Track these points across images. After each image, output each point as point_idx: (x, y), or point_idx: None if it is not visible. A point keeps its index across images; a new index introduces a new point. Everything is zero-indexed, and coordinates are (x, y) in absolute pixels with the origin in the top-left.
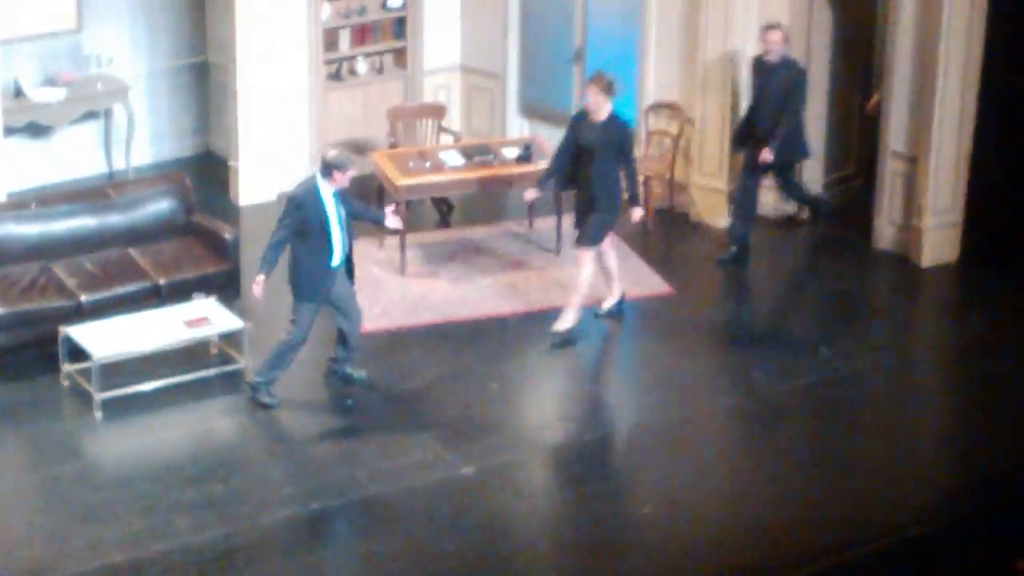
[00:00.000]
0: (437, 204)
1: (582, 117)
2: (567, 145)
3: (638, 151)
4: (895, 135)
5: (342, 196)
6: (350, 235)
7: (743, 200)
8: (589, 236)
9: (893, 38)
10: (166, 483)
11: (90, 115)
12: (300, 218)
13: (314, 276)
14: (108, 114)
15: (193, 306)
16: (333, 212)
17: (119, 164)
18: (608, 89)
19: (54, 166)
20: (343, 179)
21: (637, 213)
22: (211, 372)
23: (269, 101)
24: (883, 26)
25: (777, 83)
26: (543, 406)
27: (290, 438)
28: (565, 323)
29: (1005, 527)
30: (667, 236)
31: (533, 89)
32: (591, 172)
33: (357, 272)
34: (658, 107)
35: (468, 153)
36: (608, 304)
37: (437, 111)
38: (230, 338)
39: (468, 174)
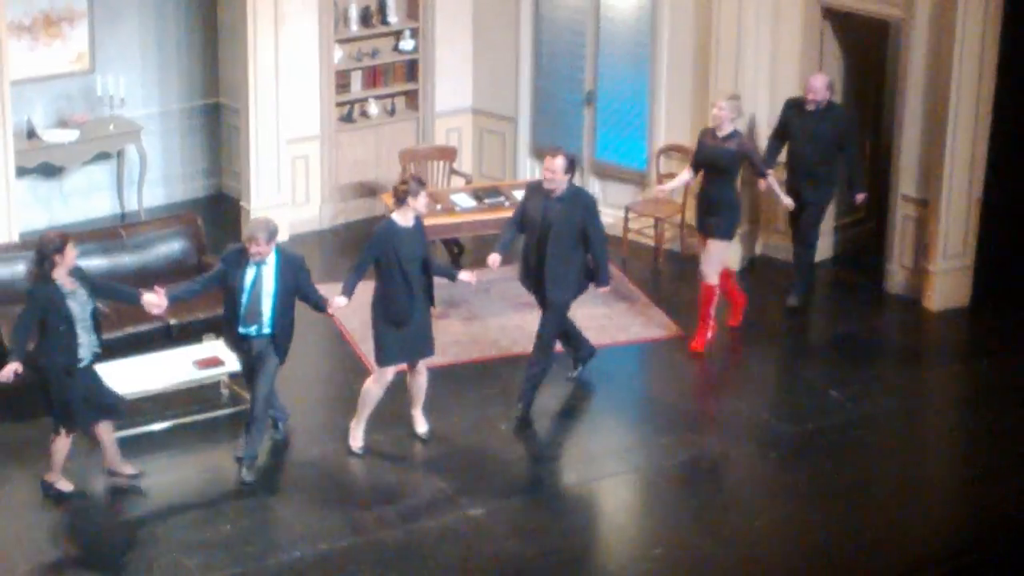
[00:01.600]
0: (448, 246)
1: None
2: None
3: (649, 194)
4: (906, 179)
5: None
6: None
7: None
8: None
9: (903, 83)
10: (175, 523)
11: (102, 156)
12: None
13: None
14: (120, 155)
15: (203, 347)
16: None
17: (131, 205)
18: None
19: (66, 207)
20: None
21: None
22: (221, 413)
23: (281, 143)
24: (893, 71)
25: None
26: (553, 448)
27: (298, 479)
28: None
29: (1015, 573)
30: (677, 278)
31: (544, 132)
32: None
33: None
34: (669, 150)
35: (479, 195)
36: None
37: (448, 153)
38: (240, 378)
39: (479, 216)
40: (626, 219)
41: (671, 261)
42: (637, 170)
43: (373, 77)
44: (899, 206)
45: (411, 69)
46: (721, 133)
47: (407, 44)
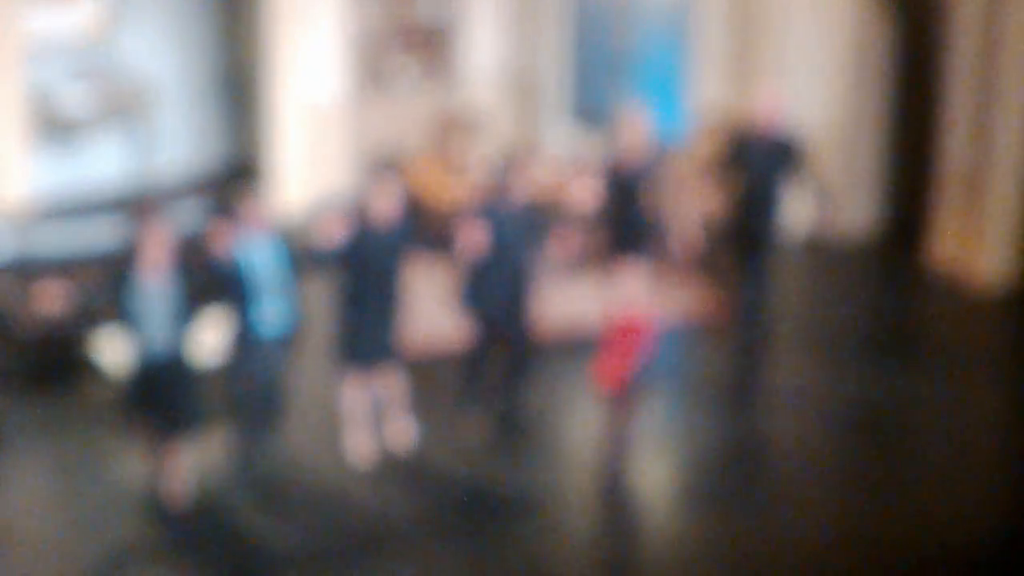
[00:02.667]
0: None
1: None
2: None
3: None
4: (952, 157)
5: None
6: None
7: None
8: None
9: (952, 62)
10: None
11: (121, 119)
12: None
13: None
14: (140, 119)
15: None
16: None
17: (149, 172)
18: None
19: (84, 176)
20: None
21: None
22: None
23: (304, 112)
24: (943, 50)
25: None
26: (586, 432)
27: (326, 463)
28: None
29: None
30: (719, 258)
31: (577, 98)
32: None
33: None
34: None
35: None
36: None
37: (476, 120)
38: None
39: None
40: None
41: (710, 239)
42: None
43: (400, 43)
44: (946, 188)
45: (440, 38)
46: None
47: (435, 9)
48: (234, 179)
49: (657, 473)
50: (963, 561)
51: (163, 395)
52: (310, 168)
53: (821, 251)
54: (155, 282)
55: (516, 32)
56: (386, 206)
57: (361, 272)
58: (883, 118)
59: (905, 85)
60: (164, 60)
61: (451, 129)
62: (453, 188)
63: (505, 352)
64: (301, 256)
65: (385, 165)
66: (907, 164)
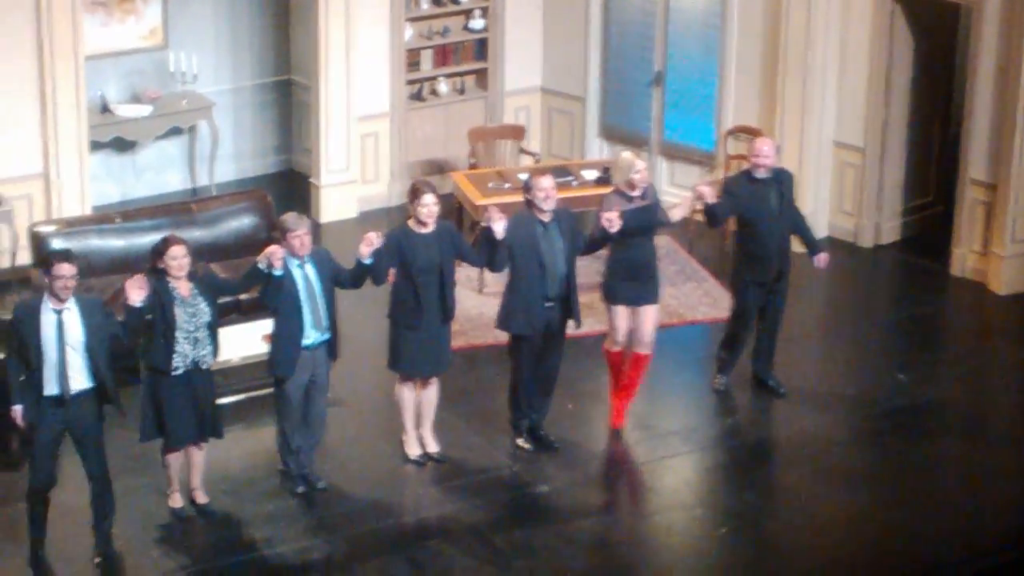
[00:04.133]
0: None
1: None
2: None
3: (718, 175)
4: (975, 163)
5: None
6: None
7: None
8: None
9: (974, 66)
10: (246, 496)
11: (174, 131)
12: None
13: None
14: (192, 131)
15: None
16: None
17: (202, 180)
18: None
19: (138, 181)
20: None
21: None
22: None
23: (351, 120)
24: (963, 55)
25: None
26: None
27: (365, 453)
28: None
29: None
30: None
31: (613, 111)
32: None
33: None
34: (737, 131)
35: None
36: None
37: (517, 132)
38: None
39: None
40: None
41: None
42: (705, 151)
43: (443, 55)
44: (968, 190)
45: (481, 48)
46: (637, 193)
47: (477, 23)
48: (285, 188)
49: (684, 471)
50: (992, 561)
51: (193, 400)
52: (359, 178)
53: (849, 256)
54: (185, 291)
55: (552, 48)
56: (431, 216)
57: (411, 281)
58: (905, 129)
59: (929, 96)
60: (218, 71)
61: (493, 140)
62: (494, 199)
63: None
64: (347, 271)
65: (430, 175)
66: (930, 173)
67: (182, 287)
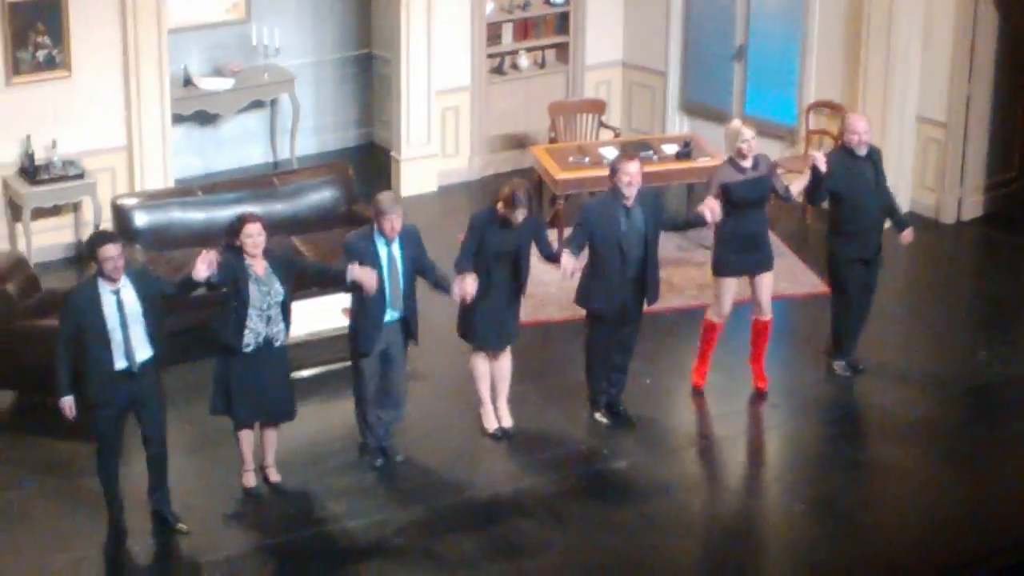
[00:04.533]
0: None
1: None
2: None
3: (799, 150)
4: None
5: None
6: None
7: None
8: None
9: None
10: (321, 469)
11: (256, 104)
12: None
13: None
14: (274, 104)
15: None
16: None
17: (283, 153)
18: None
19: (220, 154)
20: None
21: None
22: None
23: (431, 94)
24: None
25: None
26: (696, 402)
27: (442, 429)
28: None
29: None
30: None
31: (694, 86)
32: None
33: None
34: (819, 106)
35: (628, 149)
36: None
37: (598, 107)
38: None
39: None
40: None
41: (819, 218)
42: (787, 126)
43: (524, 29)
44: None
45: (562, 22)
46: (748, 163)
47: None
48: (366, 161)
49: (762, 447)
50: None
51: (263, 379)
52: (439, 151)
53: (931, 232)
54: (260, 269)
55: (633, 22)
56: (518, 224)
57: (485, 257)
58: (989, 104)
59: (1013, 71)
60: (300, 45)
61: (573, 115)
62: (574, 173)
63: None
64: (431, 265)
65: (511, 149)
66: (1014, 148)
67: (257, 265)
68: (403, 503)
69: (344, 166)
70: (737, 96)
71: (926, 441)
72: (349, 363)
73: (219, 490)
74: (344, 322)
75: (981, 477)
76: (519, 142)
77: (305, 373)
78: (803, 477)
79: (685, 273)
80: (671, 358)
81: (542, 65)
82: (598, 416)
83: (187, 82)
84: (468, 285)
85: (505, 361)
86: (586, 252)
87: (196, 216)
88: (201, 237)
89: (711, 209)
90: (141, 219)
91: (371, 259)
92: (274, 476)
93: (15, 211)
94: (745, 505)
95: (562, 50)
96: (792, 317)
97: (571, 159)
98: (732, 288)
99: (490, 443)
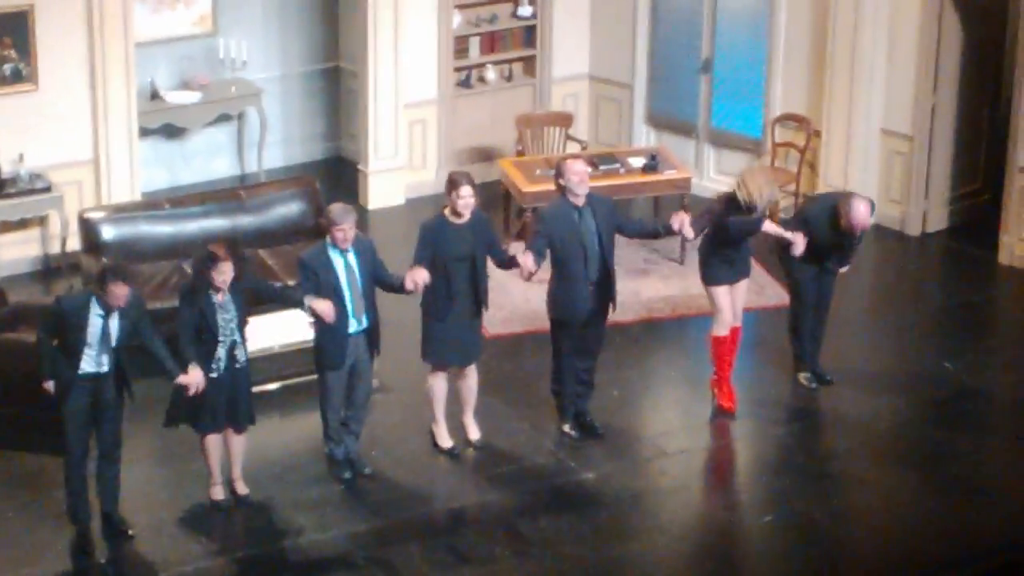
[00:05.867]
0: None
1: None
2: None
3: (765, 162)
4: (1023, 150)
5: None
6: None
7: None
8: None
9: (1022, 56)
10: (289, 482)
11: (224, 118)
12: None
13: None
14: (241, 117)
15: None
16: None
17: (251, 166)
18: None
19: (188, 167)
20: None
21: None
22: None
23: (399, 107)
24: (1012, 41)
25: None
26: (664, 413)
27: (411, 440)
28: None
29: None
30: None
31: (661, 99)
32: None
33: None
34: (785, 119)
35: (595, 162)
36: None
37: (565, 120)
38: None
39: (594, 183)
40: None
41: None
42: (752, 138)
43: (491, 42)
44: (1016, 177)
45: (529, 35)
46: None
47: (525, 10)
48: (333, 174)
49: (727, 460)
50: None
51: (226, 390)
52: (407, 164)
53: (896, 244)
54: (221, 297)
55: (600, 35)
56: (468, 207)
57: (443, 271)
58: (953, 117)
59: (977, 83)
60: (267, 58)
61: (540, 127)
62: (541, 186)
63: (584, 349)
64: (389, 277)
65: (477, 162)
66: (978, 161)
67: (220, 295)
68: (370, 516)
69: (311, 179)
70: (703, 109)
71: (894, 451)
72: (314, 376)
73: (187, 502)
74: (310, 335)
75: (950, 486)
76: (486, 155)
77: (271, 386)
78: (771, 488)
79: (651, 285)
80: (638, 369)
81: (509, 78)
82: (566, 428)
83: (154, 95)
84: (418, 275)
85: (471, 378)
86: (547, 264)
87: (164, 229)
88: (168, 250)
89: (681, 221)
90: (108, 232)
91: (327, 272)
92: (242, 488)
93: None
94: (714, 517)
95: (529, 63)
96: (760, 329)
97: (538, 172)
98: (727, 295)
99: (458, 457)
